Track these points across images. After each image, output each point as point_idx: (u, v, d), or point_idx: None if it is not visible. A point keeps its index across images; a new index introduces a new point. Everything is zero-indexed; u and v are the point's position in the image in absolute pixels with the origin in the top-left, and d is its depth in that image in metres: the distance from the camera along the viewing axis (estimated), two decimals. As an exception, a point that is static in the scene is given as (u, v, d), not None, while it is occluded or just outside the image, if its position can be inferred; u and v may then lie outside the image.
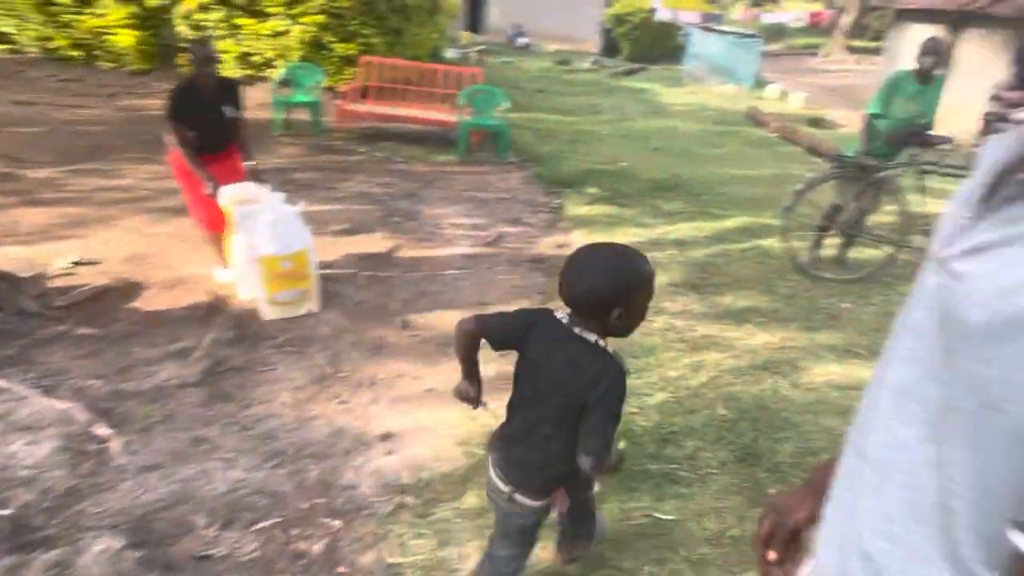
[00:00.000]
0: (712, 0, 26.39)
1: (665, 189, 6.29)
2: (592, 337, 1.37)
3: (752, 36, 15.81)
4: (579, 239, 4.86)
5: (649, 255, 1.43)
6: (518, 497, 1.50)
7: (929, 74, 4.11)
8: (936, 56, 4.05)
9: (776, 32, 26.50)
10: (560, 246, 4.68)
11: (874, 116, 4.29)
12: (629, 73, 16.10)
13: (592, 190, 5.98)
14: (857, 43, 24.94)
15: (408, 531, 2.09)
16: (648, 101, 12.17)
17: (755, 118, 10.67)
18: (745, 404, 2.86)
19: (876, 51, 19.54)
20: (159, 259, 3.88)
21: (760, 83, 14.57)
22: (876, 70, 13.28)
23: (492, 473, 1.54)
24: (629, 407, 2.70)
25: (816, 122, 10.87)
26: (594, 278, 1.32)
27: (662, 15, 18.13)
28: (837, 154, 4.81)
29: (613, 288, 1.30)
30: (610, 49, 19.52)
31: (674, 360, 3.18)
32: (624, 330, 1.38)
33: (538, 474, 1.50)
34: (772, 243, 4.79)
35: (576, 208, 5.55)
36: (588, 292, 1.33)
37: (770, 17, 22.01)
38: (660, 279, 4.13)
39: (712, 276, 4.26)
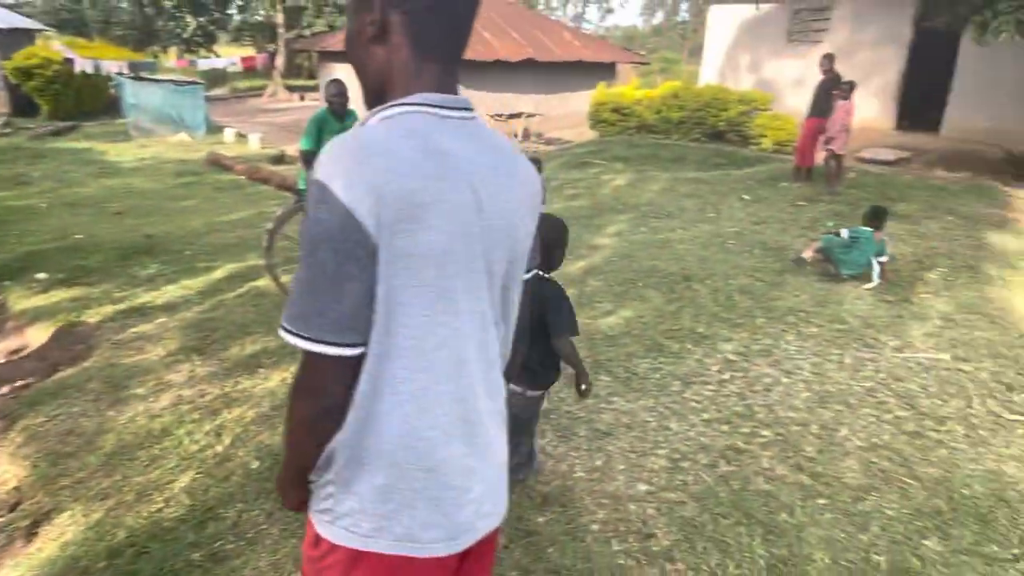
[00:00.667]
0: (137, 48, 24.84)
1: (139, 253, 5.75)
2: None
3: (192, 83, 15.57)
4: (40, 336, 4.07)
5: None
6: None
7: (342, 111, 4.73)
8: (341, 95, 4.67)
9: (216, 77, 26.69)
10: (15, 352, 3.83)
11: (308, 151, 4.70)
12: (57, 133, 14.02)
13: (41, 275, 5.05)
14: (295, 82, 27.04)
15: None
16: (94, 162, 10.85)
17: (218, 163, 10.55)
18: (277, 447, 2.88)
19: (316, 88, 21.56)
20: None
21: (213, 129, 14.50)
22: (316, 105, 14.64)
23: None
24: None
25: (278, 159, 11.43)
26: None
27: (82, 65, 16.21)
28: (296, 188, 5.15)
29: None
30: (25, 108, 16.54)
31: (192, 434, 2.97)
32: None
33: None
34: (264, 283, 4.88)
35: (24, 301, 4.60)
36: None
37: (205, 63, 22.01)
38: (156, 351, 3.79)
39: (213, 333, 4.11)
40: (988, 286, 5.09)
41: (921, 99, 12.25)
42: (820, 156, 8.37)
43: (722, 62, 14.38)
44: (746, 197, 8.00)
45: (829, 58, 8.39)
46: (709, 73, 14.68)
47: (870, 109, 12.04)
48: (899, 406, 3.30)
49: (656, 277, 5.20)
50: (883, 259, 5.09)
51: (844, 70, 11.83)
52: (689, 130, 12.87)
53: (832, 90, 8.11)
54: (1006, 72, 10.21)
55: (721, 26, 14.31)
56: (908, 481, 2.70)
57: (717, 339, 4.08)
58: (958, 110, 11.03)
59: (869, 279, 5.07)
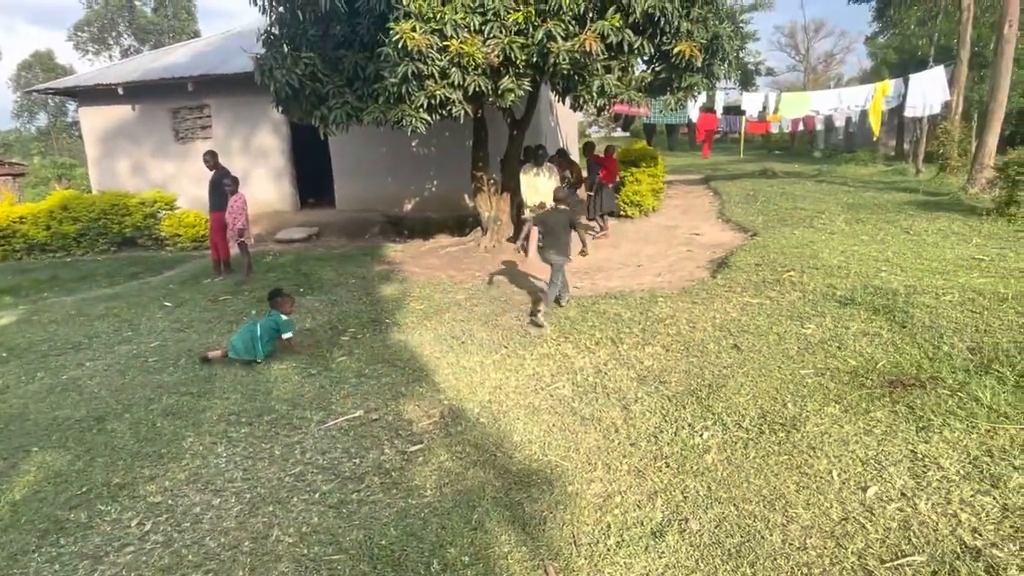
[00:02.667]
0: None
1: None
2: (562, 207, 6.32)
3: None
4: None
5: None
6: (554, 257, 6.12)
7: None
8: None
9: None
10: None
11: None
12: None
13: None
14: None
15: None
16: None
17: None
18: None
19: None
20: None
21: None
22: None
23: (546, 256, 6.25)
24: None
25: None
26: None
27: None
28: None
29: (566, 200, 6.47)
30: None
31: None
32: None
33: (557, 249, 6.10)
34: None
35: None
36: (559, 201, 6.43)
37: None
38: None
39: None
40: (388, 335, 5.95)
41: (315, 180, 13.88)
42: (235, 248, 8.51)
43: (112, 165, 13.35)
44: (168, 304, 7.51)
45: (211, 154, 8.60)
46: (101, 178, 13.43)
47: (274, 194, 12.99)
48: (324, 481, 3.46)
49: (59, 431, 4.32)
50: (289, 335, 5.40)
51: (237, 162, 12.46)
52: (93, 241, 11.51)
53: (223, 183, 8.34)
54: (367, 151, 12.41)
55: (98, 129, 13.28)
56: (335, 557, 2.81)
57: (138, 483, 3.58)
58: (344, 187, 12.87)
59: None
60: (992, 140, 11.94)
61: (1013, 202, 8.91)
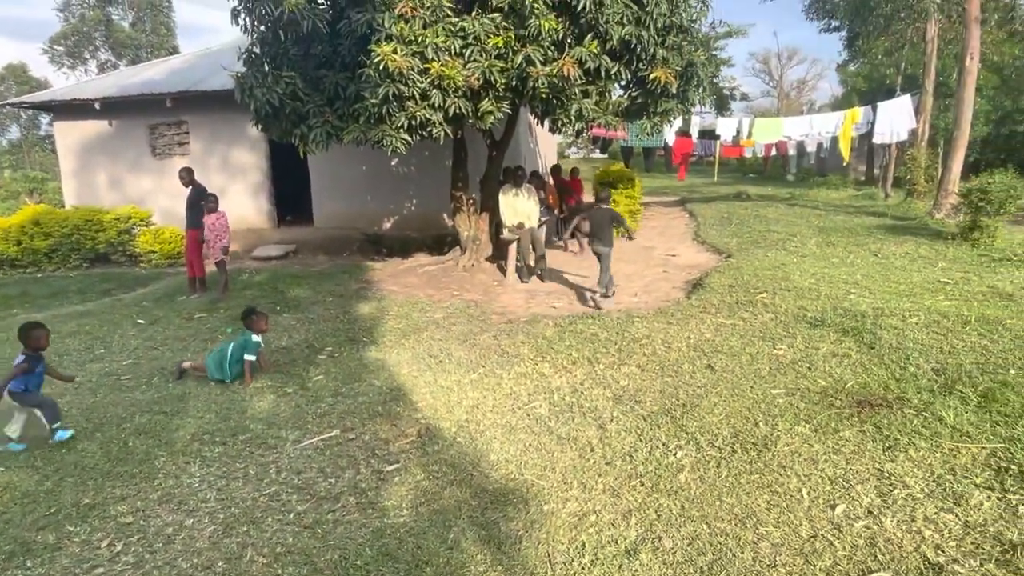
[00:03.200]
0: None
1: None
2: (604, 206, 7.40)
3: None
4: None
5: None
6: (601, 248, 7.24)
7: None
8: None
9: None
10: None
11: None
12: None
13: None
14: None
15: None
16: None
17: None
18: None
19: None
20: None
21: None
22: None
23: (594, 247, 7.34)
24: None
25: None
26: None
27: None
28: None
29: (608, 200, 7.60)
30: None
31: None
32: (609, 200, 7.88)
33: (603, 241, 7.22)
34: None
35: None
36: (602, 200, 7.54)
37: None
38: None
39: None
40: (365, 354, 5.94)
41: (293, 197, 13.84)
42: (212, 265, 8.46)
43: (87, 180, 13.20)
44: (141, 321, 7.42)
45: (188, 171, 8.57)
46: (75, 193, 13.26)
47: (251, 211, 12.93)
48: (299, 500, 3.45)
49: (26, 451, 4.23)
50: (250, 357, 5.32)
51: (215, 179, 12.40)
52: (65, 257, 11.34)
53: (199, 200, 8.31)
54: (346, 169, 12.42)
55: (73, 144, 13.13)
56: (310, 578, 2.80)
57: (109, 503, 3.52)
58: (322, 204, 12.86)
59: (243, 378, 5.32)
60: (956, 167, 12.34)
61: (976, 227, 9.20)
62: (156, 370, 5.75)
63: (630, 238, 8.12)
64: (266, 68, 7.87)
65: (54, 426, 4.36)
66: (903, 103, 15.11)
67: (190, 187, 8.47)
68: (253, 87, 7.52)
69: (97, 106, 12.37)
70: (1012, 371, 4.40)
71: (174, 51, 41.51)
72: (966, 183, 10.37)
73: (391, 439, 4.16)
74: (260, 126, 8.25)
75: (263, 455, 4.02)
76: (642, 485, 3.43)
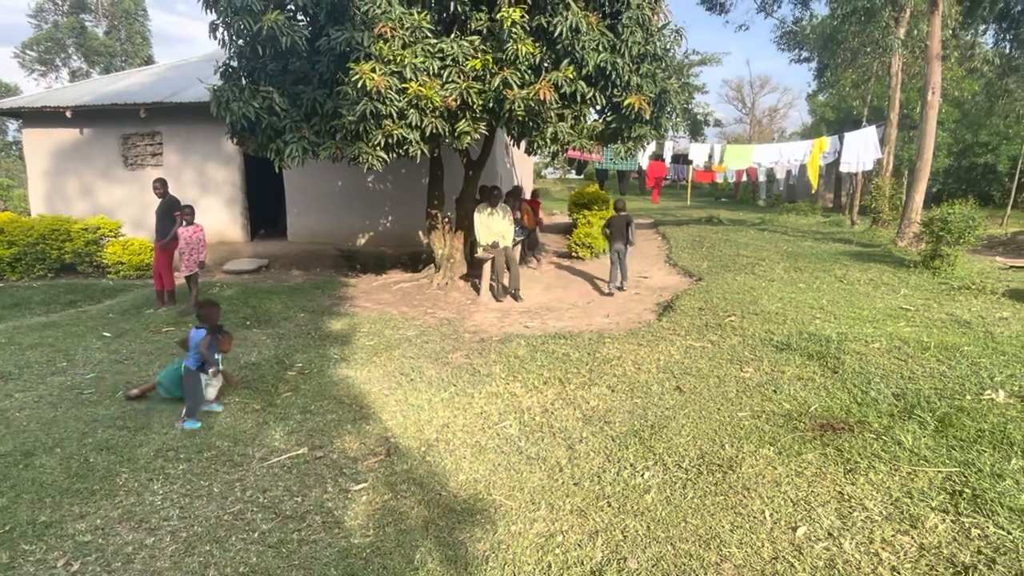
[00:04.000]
0: None
1: None
2: (623, 213, 9.23)
3: None
4: None
5: None
6: (619, 246, 9.06)
7: None
8: None
9: None
10: None
11: None
12: None
13: None
14: None
15: None
16: None
17: None
18: None
19: None
20: None
21: None
22: None
23: (614, 245, 9.15)
24: None
25: None
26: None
27: None
28: None
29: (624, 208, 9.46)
30: None
31: None
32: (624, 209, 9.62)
33: (622, 241, 9.06)
34: None
35: None
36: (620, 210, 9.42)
37: None
38: None
39: None
40: (336, 371, 5.90)
41: (268, 211, 13.75)
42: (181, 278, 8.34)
43: (56, 189, 12.95)
44: (107, 334, 7.27)
45: (161, 182, 8.48)
46: (42, 201, 13.00)
47: (225, 225, 12.80)
48: (264, 519, 3.40)
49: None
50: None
51: (189, 192, 12.28)
52: (30, 267, 11.08)
53: (172, 212, 8.22)
54: (322, 185, 12.39)
55: (43, 152, 12.90)
56: (273, 598, 2.77)
57: (67, 521, 3.44)
58: (297, 219, 12.78)
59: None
60: (919, 197, 12.73)
61: (937, 256, 9.49)
62: (121, 384, 5.64)
63: (631, 243, 9.35)
64: (243, 82, 7.87)
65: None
66: (869, 134, 15.58)
67: (162, 199, 8.36)
68: (230, 100, 7.51)
69: (68, 114, 12.19)
70: (968, 397, 4.54)
71: (149, 61, 41.10)
72: (928, 213, 10.71)
73: (360, 458, 4.14)
74: (235, 140, 8.22)
75: (228, 473, 3.96)
76: (609, 506, 3.45)
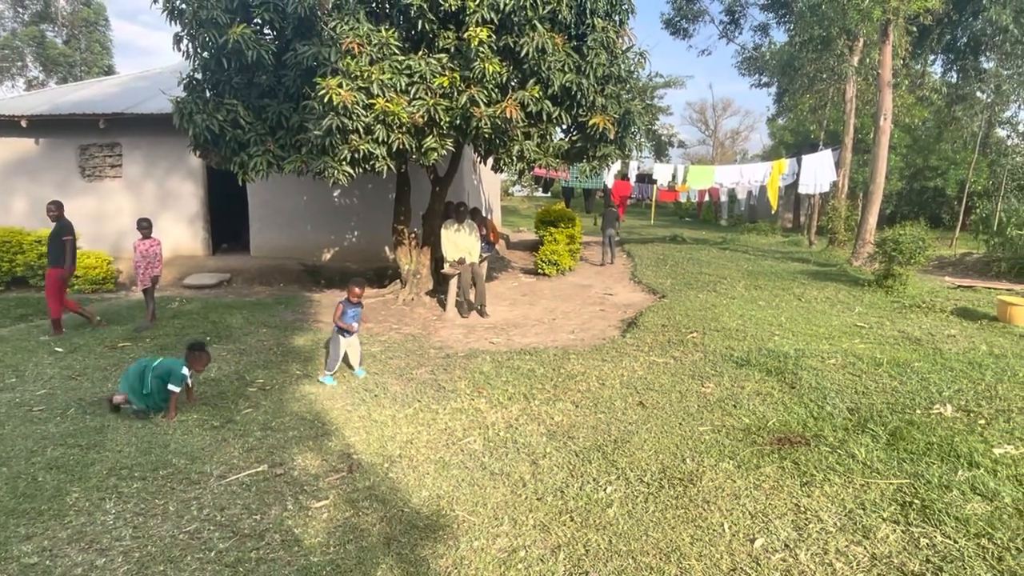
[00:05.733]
0: None
1: None
2: (613, 209, 14.80)
3: None
4: None
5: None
6: (609, 232, 14.18)
7: None
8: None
9: None
10: None
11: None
12: None
13: None
14: None
15: None
16: None
17: None
18: None
19: None
20: None
21: None
22: None
23: (605, 231, 14.20)
24: None
25: None
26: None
27: None
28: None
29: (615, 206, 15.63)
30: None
31: None
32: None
33: (611, 229, 14.22)
34: None
35: None
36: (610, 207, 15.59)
37: None
38: None
39: None
40: (298, 387, 5.82)
41: (230, 225, 13.54)
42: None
43: (7, 200, 12.56)
44: (59, 349, 7.06)
45: (56, 204, 7.76)
46: (-7, 212, 12.59)
47: (185, 238, 12.56)
48: (222, 538, 3.33)
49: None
50: (175, 389, 5.10)
51: (149, 204, 12.05)
52: (-22, 280, 10.68)
53: (62, 237, 7.68)
54: (286, 199, 12.27)
55: (-4, 161, 12.52)
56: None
57: (12, 542, 3.31)
58: (260, 233, 12.61)
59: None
60: (872, 219, 13.17)
61: (890, 275, 9.81)
62: (72, 401, 5.47)
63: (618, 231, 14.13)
64: (207, 94, 7.79)
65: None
66: (825, 157, 16.10)
67: (56, 222, 7.72)
68: (193, 112, 7.42)
69: (23, 123, 11.87)
70: (918, 411, 4.70)
71: (109, 71, 40.29)
72: (881, 234, 11.09)
73: (321, 474, 4.08)
74: (198, 152, 8.11)
75: (185, 491, 3.87)
76: (572, 520, 3.47)
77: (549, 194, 38.94)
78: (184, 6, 7.27)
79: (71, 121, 11.97)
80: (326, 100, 6.45)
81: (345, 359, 6.19)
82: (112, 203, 12.44)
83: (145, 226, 7.94)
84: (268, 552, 3.21)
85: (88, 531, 3.42)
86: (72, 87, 15.50)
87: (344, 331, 6.05)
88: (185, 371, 5.14)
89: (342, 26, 6.67)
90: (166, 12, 7.42)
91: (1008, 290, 9.92)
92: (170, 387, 5.08)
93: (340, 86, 6.48)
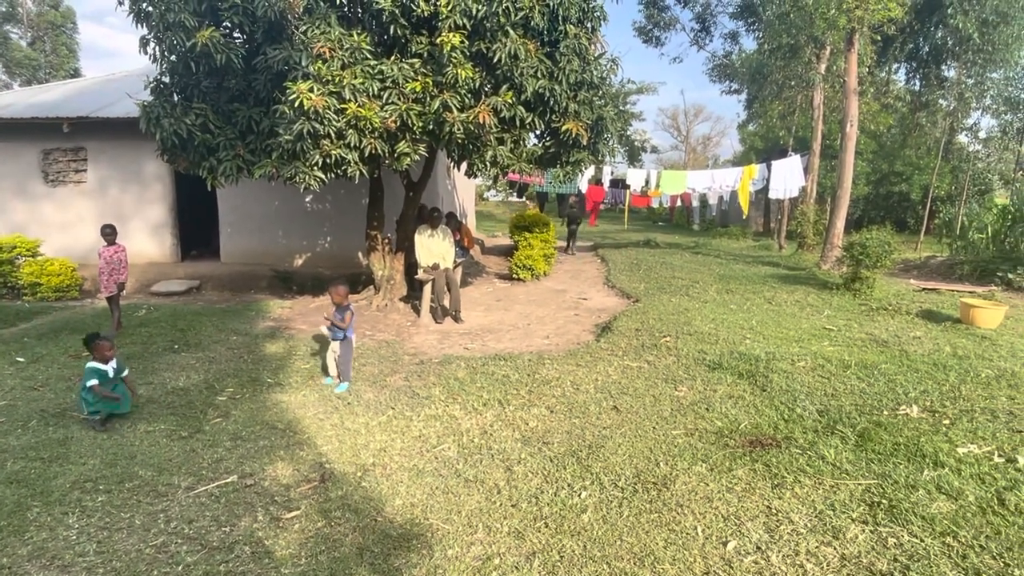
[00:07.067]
0: None
1: None
2: (575, 211, 17.63)
3: None
4: None
5: None
6: (573, 227, 17.37)
7: None
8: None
9: None
10: None
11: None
12: None
13: None
14: None
15: None
16: None
17: None
18: None
19: None
20: None
21: None
22: None
23: (571, 226, 17.37)
24: None
25: None
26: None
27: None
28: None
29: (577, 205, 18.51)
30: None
31: None
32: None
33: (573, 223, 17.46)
34: None
35: None
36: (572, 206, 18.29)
37: None
38: None
39: None
40: (269, 395, 5.73)
41: (199, 230, 13.32)
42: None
43: (-33, 205, 12.21)
44: (20, 359, 6.86)
45: None
46: (-49, 218, 12.22)
47: (153, 244, 12.32)
48: (190, 551, 3.26)
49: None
50: (93, 382, 5.03)
51: (115, 210, 11.79)
52: (-66, 288, 10.35)
53: None
54: (257, 204, 12.11)
55: (-46, 165, 12.15)
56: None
57: (-31, 561, 3.20)
58: (231, 239, 12.42)
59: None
60: (840, 223, 13.42)
61: (857, 279, 10.01)
62: (34, 412, 5.31)
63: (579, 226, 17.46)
64: (175, 98, 7.65)
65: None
66: (794, 162, 16.38)
67: None
68: (160, 117, 7.29)
69: (-17, 127, 11.55)
70: (885, 412, 4.79)
71: (75, 74, 39.45)
72: (849, 238, 11.31)
73: (292, 485, 4.02)
74: (166, 157, 7.97)
75: (151, 503, 3.78)
76: (546, 527, 3.46)
77: (524, 199, 39.01)
78: (151, 9, 7.15)
79: (33, 124, 11.69)
80: (297, 104, 6.38)
81: (325, 367, 6.12)
82: (76, 209, 12.15)
83: (109, 232, 7.78)
84: (237, 565, 3.15)
85: (50, 547, 3.32)
86: (35, 90, 15.13)
87: (338, 330, 5.98)
88: (94, 365, 5.03)
89: (313, 30, 6.61)
90: (132, 14, 7.29)
91: (970, 292, 10.18)
92: (89, 384, 4.95)
93: (311, 90, 6.42)
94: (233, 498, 3.84)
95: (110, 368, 5.14)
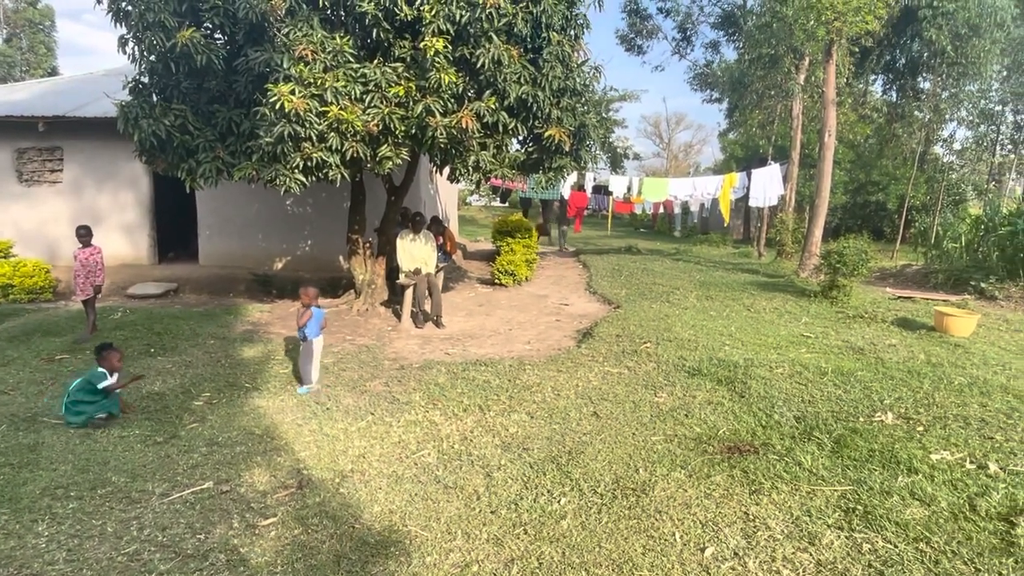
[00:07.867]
0: None
1: None
2: (556, 208, 21.84)
3: None
4: None
5: None
6: (554, 227, 21.65)
7: None
8: None
9: None
10: None
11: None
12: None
13: None
14: None
15: None
16: None
17: None
18: None
19: None
20: None
21: None
22: None
23: (547, 226, 22.25)
24: None
25: None
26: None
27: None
28: None
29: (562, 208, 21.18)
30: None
31: None
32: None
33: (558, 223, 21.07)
34: None
35: None
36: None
37: None
38: None
39: None
40: (247, 400, 5.67)
41: (177, 232, 13.14)
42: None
43: (-63, 204, 11.94)
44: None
45: None
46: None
47: (129, 246, 12.14)
48: (163, 559, 3.20)
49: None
50: (103, 384, 5.10)
51: (89, 212, 11.61)
52: (-98, 289, 10.10)
53: None
54: (237, 206, 11.98)
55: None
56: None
57: (-67, 570, 3.12)
58: (209, 241, 12.28)
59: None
60: (818, 231, 13.60)
61: (834, 287, 10.13)
62: (4, 417, 5.20)
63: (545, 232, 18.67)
64: (154, 99, 7.56)
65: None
66: (773, 171, 16.58)
67: None
68: (139, 117, 7.20)
69: (-45, 125, 11.32)
70: (861, 419, 4.85)
71: (53, 72, 38.81)
72: (827, 246, 11.45)
73: (269, 491, 3.97)
74: (144, 158, 7.86)
75: (124, 510, 3.71)
76: (526, 533, 3.45)
77: (507, 204, 39.05)
78: (130, 8, 7.07)
79: (8, 123, 11.47)
80: (278, 107, 6.33)
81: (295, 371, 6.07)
82: (51, 209, 11.95)
83: (84, 234, 7.65)
84: (212, 573, 3.10)
85: (18, 555, 3.25)
86: (10, 88, 14.86)
87: (300, 330, 6.03)
88: (102, 371, 5.07)
89: (295, 32, 6.58)
90: (111, 13, 7.20)
91: (944, 301, 10.36)
92: (100, 387, 4.98)
93: (292, 93, 6.38)
94: (208, 505, 3.78)
95: (115, 378, 5.16)
